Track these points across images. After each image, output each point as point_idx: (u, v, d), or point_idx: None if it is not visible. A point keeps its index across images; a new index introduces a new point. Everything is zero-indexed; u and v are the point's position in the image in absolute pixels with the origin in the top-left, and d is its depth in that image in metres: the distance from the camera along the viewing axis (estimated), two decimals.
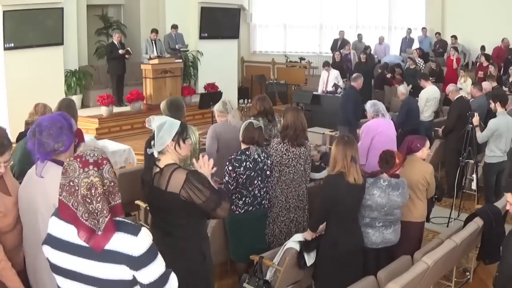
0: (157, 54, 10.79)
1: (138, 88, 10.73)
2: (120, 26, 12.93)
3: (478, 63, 11.69)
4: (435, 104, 8.31)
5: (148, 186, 2.81)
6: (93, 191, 1.88)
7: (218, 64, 12.45)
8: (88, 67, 11.42)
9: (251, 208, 4.14)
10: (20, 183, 2.78)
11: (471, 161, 6.26)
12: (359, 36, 14.82)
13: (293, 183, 4.43)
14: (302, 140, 4.46)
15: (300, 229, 4.42)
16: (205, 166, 2.87)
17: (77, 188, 1.89)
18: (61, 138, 2.63)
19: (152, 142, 2.76)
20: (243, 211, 4.12)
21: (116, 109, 10.32)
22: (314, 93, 11.01)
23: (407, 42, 14.25)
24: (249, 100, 12.13)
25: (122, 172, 5.27)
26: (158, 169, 2.76)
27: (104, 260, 1.90)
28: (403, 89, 7.85)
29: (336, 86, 10.72)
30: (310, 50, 16.26)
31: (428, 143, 4.51)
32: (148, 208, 3.81)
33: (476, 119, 5.98)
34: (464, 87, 9.75)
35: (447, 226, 5.71)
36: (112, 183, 1.95)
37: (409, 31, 14.26)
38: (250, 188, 4.10)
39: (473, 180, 6.25)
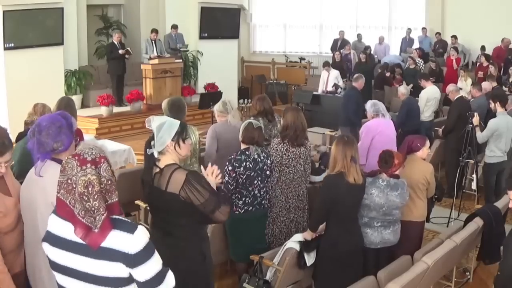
0: (157, 54, 10.79)
1: (138, 88, 10.73)
2: (120, 26, 12.93)
3: (478, 63, 11.69)
4: (435, 104, 8.31)
5: (148, 186, 2.81)
6: (90, 189, 1.90)
7: (218, 64, 12.45)
8: (88, 67, 11.43)
9: (251, 208, 4.14)
10: (20, 183, 2.78)
11: (471, 161, 6.26)
12: (359, 36, 14.83)
13: (293, 183, 4.43)
14: (302, 140, 4.46)
15: (300, 229, 4.42)
16: (212, 175, 2.84)
17: (74, 186, 1.91)
18: (60, 137, 2.64)
19: (152, 143, 2.76)
20: (243, 211, 4.12)
21: (116, 109, 10.32)
22: (314, 93, 11.02)
23: (407, 42, 14.25)
24: (249, 100, 12.13)
25: (122, 172, 5.26)
26: (158, 169, 2.76)
27: (101, 257, 1.92)
28: (403, 89, 7.85)
29: (336, 86, 10.73)
30: (310, 50, 16.26)
31: (428, 142, 4.51)
32: (148, 208, 3.81)
33: (476, 119, 5.98)
34: (464, 87, 9.75)
35: (447, 226, 5.71)
36: (109, 182, 1.97)
37: (409, 31, 14.26)
38: (250, 188, 4.10)
39: (473, 180, 6.25)
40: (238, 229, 4.15)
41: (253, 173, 4.07)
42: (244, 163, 4.04)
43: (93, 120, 9.92)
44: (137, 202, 4.76)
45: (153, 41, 10.86)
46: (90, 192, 1.90)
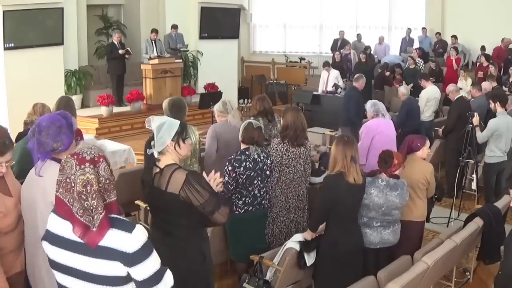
0: (157, 54, 10.79)
1: (138, 88, 10.73)
2: (120, 26, 12.93)
3: (478, 63, 11.69)
4: (436, 104, 8.31)
5: (148, 186, 2.81)
6: (88, 188, 1.91)
7: (218, 64, 12.45)
8: (88, 67, 11.43)
9: (251, 208, 4.14)
10: (20, 183, 2.78)
11: (471, 161, 6.26)
12: (358, 36, 14.83)
13: (293, 183, 4.43)
14: (302, 140, 4.46)
15: (300, 229, 4.42)
16: (214, 182, 2.82)
17: (73, 184, 1.92)
18: (59, 137, 2.64)
19: (152, 143, 2.76)
20: (243, 211, 4.12)
21: (116, 109, 10.32)
22: (314, 93, 11.01)
23: (407, 42, 14.25)
24: (249, 100, 12.14)
25: (122, 172, 5.25)
26: (158, 170, 2.76)
27: (99, 256, 1.93)
28: (404, 89, 7.85)
29: (336, 86, 10.73)
30: (310, 50, 16.27)
31: (428, 142, 4.51)
32: (148, 208, 3.81)
33: (476, 119, 5.98)
34: (464, 87, 9.75)
35: (447, 226, 5.70)
36: (108, 181, 1.98)
37: (409, 31, 14.26)
38: (250, 188, 4.10)
39: (473, 180, 6.24)
40: (238, 229, 4.15)
41: (253, 173, 4.07)
42: (244, 163, 4.03)
43: (93, 120, 9.92)
44: (137, 202, 4.76)
45: (153, 41, 10.86)
46: (89, 191, 1.91)
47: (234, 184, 4.05)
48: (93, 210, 1.91)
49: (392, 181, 3.88)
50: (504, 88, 9.54)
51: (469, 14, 12.87)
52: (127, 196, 4.85)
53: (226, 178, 4.03)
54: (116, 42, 10.50)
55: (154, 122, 2.77)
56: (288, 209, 4.44)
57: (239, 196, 4.10)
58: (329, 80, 10.91)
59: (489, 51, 12.12)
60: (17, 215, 2.69)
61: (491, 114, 6.51)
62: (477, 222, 4.27)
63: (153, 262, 2.00)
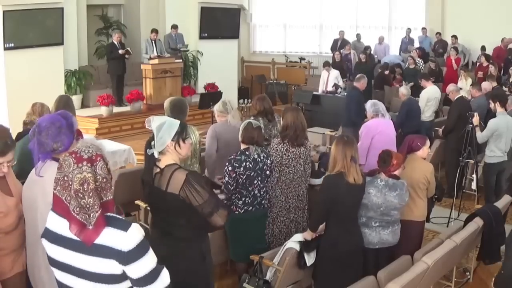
0: (157, 54, 10.79)
1: (138, 88, 10.73)
2: (120, 26, 12.93)
3: (478, 63, 11.70)
4: (436, 104, 8.31)
5: (148, 186, 2.81)
6: (85, 186, 1.93)
7: (218, 64, 12.45)
8: (88, 67, 11.43)
9: (251, 208, 4.14)
10: (21, 183, 2.79)
11: (471, 161, 6.26)
12: (358, 36, 14.83)
13: (293, 183, 4.43)
14: (302, 140, 4.46)
15: (300, 229, 4.42)
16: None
17: (70, 183, 1.94)
18: (59, 137, 2.65)
19: (152, 143, 2.76)
20: (242, 211, 4.12)
21: (116, 109, 10.32)
22: (314, 93, 11.01)
23: (407, 42, 14.25)
24: (249, 100, 12.14)
25: (122, 172, 5.26)
26: (158, 170, 2.76)
27: (94, 254, 1.95)
28: (404, 90, 7.84)
29: (336, 86, 10.73)
30: (310, 50, 16.27)
31: (428, 142, 4.51)
32: (148, 208, 3.81)
33: (476, 119, 5.98)
34: (464, 87, 9.75)
35: (447, 226, 5.70)
36: (105, 180, 1.99)
37: (409, 31, 14.26)
38: (250, 188, 4.10)
39: (473, 180, 6.25)
40: (238, 229, 4.15)
41: (253, 173, 4.07)
42: (244, 163, 4.03)
43: (93, 120, 9.92)
44: (137, 202, 4.76)
45: (153, 41, 10.86)
46: (85, 189, 1.93)
47: (234, 184, 4.05)
48: (90, 208, 1.92)
49: (391, 181, 3.88)
50: (504, 88, 9.54)
51: (469, 14, 12.87)
52: (127, 196, 4.85)
53: (226, 178, 4.03)
54: (116, 42, 10.50)
55: (154, 122, 2.77)
56: (288, 209, 4.44)
57: (239, 196, 4.10)
58: (329, 80, 10.91)
59: (489, 51, 12.12)
60: (18, 215, 2.70)
61: (491, 114, 6.51)
62: (477, 222, 4.27)
63: (149, 261, 2.01)
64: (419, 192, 4.29)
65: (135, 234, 1.97)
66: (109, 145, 6.51)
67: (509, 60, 11.59)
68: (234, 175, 4.03)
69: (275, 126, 5.25)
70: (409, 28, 14.29)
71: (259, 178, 4.13)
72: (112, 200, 2.03)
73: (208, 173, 4.81)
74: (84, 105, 11.02)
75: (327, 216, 3.73)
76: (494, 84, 8.65)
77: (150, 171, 2.79)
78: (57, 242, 2.01)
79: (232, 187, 4.05)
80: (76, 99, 10.23)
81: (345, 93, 10.21)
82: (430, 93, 8.12)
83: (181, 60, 11.41)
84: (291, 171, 4.40)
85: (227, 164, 4.06)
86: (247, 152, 4.08)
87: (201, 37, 12.65)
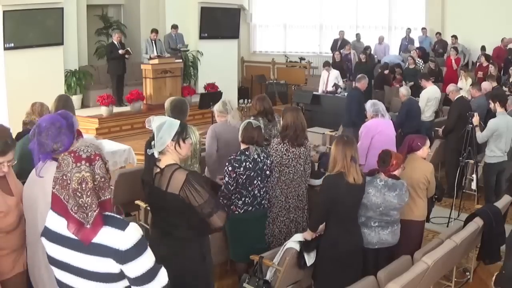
0: (157, 54, 10.79)
1: (138, 88, 10.73)
2: (120, 26, 12.93)
3: (478, 63, 11.70)
4: (436, 104, 8.31)
5: (149, 186, 2.81)
6: (83, 185, 1.94)
7: (218, 64, 12.45)
8: (88, 67, 11.43)
9: (250, 208, 4.14)
10: (22, 183, 2.79)
11: (471, 161, 6.26)
12: (357, 36, 14.83)
13: (293, 183, 4.43)
14: (302, 140, 4.46)
15: (299, 229, 4.42)
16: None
17: (69, 182, 1.95)
18: (59, 138, 2.65)
19: (152, 143, 2.76)
20: (242, 211, 4.12)
21: (116, 109, 10.32)
22: (314, 93, 11.02)
23: (407, 42, 14.25)
24: (249, 100, 12.14)
25: (122, 172, 5.26)
26: (158, 170, 2.76)
27: (92, 253, 1.96)
28: (404, 90, 7.83)
29: (336, 86, 10.73)
30: (310, 50, 16.27)
31: (428, 142, 4.51)
32: (148, 208, 3.81)
33: (476, 119, 5.98)
34: (464, 87, 9.75)
35: (447, 226, 5.70)
36: (103, 179, 2.00)
37: (409, 31, 14.26)
38: (249, 188, 4.09)
39: (473, 180, 6.24)
40: (238, 229, 4.15)
41: (252, 173, 4.07)
42: (244, 163, 4.03)
43: (93, 120, 9.92)
44: (137, 202, 4.76)
45: (153, 41, 10.86)
46: (84, 188, 1.94)
47: (234, 184, 4.05)
48: (88, 207, 1.94)
49: (391, 181, 3.88)
50: (504, 88, 9.54)
51: (469, 14, 12.87)
52: (127, 196, 4.85)
53: (226, 179, 4.03)
54: (116, 42, 10.50)
55: (154, 122, 2.77)
56: (288, 209, 4.44)
57: (238, 196, 4.09)
58: (329, 80, 10.91)
59: (489, 51, 12.12)
60: (19, 215, 2.70)
61: (491, 114, 6.51)
62: (477, 222, 4.27)
63: (147, 260, 2.01)
64: (419, 191, 4.29)
65: (132, 233, 1.98)
66: (109, 145, 6.52)
67: (509, 60, 11.59)
68: (234, 175, 4.02)
69: (275, 126, 5.25)
70: (409, 28, 14.29)
71: (259, 178, 4.13)
72: (110, 199, 2.04)
73: (209, 173, 4.81)
74: (84, 105, 11.02)
75: (327, 216, 3.73)
76: (494, 84, 8.65)
77: (150, 171, 2.79)
78: (56, 241, 2.02)
79: (232, 187, 4.05)
80: (76, 99, 10.24)
81: (345, 93, 10.23)
82: (430, 93, 8.11)
83: (181, 60, 11.41)
84: (291, 171, 4.40)
85: (227, 164, 4.06)
86: (247, 152, 4.08)
87: (201, 37, 12.65)
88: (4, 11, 9.02)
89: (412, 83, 10.75)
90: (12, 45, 9.30)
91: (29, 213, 2.65)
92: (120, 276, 2.00)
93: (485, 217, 4.34)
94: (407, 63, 12.20)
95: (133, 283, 2.01)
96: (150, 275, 2.02)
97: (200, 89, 12.02)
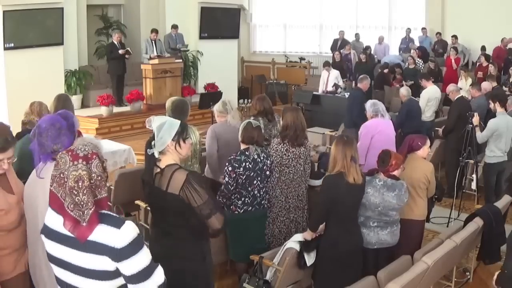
0: (157, 54, 10.79)
1: (138, 88, 10.73)
2: (120, 26, 12.93)
3: (478, 63, 11.70)
4: (436, 104, 8.30)
5: (149, 186, 2.81)
6: (80, 183, 1.96)
7: (218, 64, 12.45)
8: (88, 67, 11.43)
9: (250, 208, 4.14)
10: (23, 183, 2.79)
11: (471, 161, 6.26)
12: (357, 36, 14.83)
13: (293, 183, 4.43)
14: (302, 140, 4.46)
15: (299, 229, 4.42)
16: None
17: (66, 180, 1.97)
18: (59, 139, 2.66)
19: (152, 143, 2.76)
20: (242, 211, 4.12)
21: (116, 109, 10.32)
22: (314, 93, 11.01)
23: (407, 42, 14.26)
24: (249, 100, 12.14)
25: (122, 172, 5.26)
26: (159, 170, 2.76)
27: (88, 250, 1.98)
28: (404, 91, 7.81)
29: (336, 86, 10.73)
30: (310, 50, 16.27)
31: (428, 141, 4.51)
32: (148, 208, 3.81)
33: (476, 119, 5.98)
34: (465, 87, 9.75)
35: (447, 226, 5.70)
36: (99, 177, 2.02)
37: (409, 31, 14.26)
38: (249, 188, 4.10)
39: (473, 180, 6.25)
40: (238, 229, 4.15)
41: (252, 173, 4.07)
42: (244, 164, 4.03)
43: (93, 120, 9.92)
44: (137, 202, 4.76)
45: (153, 41, 10.86)
46: (80, 186, 1.96)
47: (234, 184, 4.05)
48: (84, 205, 1.95)
49: (390, 181, 3.87)
50: (504, 88, 9.54)
51: (469, 14, 12.87)
52: (127, 196, 4.86)
53: (226, 179, 4.03)
54: (116, 42, 10.49)
55: (155, 122, 2.77)
56: (288, 209, 4.44)
57: (238, 196, 4.10)
58: (329, 80, 10.91)
59: (489, 51, 12.12)
60: (20, 213, 2.71)
61: (491, 114, 6.51)
62: (477, 222, 4.27)
63: (142, 258, 2.02)
64: (419, 191, 4.29)
65: (128, 231, 2.00)
66: (109, 145, 6.52)
67: (509, 60, 11.59)
68: (234, 175, 4.03)
69: (275, 126, 5.25)
70: (409, 28, 14.29)
71: (259, 179, 4.13)
72: (106, 197, 2.05)
73: (211, 173, 4.81)
74: (84, 105, 11.03)
75: (327, 216, 3.73)
76: (494, 84, 8.64)
77: (150, 171, 2.79)
78: (54, 238, 2.04)
79: (232, 187, 4.05)
80: (76, 99, 10.25)
81: (345, 93, 10.23)
82: (430, 93, 8.11)
83: (181, 60, 11.41)
84: (291, 171, 4.40)
85: (227, 164, 4.06)
86: (247, 153, 4.08)
87: (201, 37, 12.65)
88: (4, 11, 9.02)
89: (412, 82, 10.75)
90: (12, 45, 9.31)
91: (30, 212, 2.65)
92: (116, 274, 2.01)
93: (485, 217, 4.34)
94: (407, 63, 12.20)
95: (128, 281, 2.02)
96: (145, 274, 2.03)
97: (200, 89, 12.02)
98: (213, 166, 4.76)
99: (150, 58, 10.67)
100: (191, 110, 8.52)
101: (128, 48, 10.50)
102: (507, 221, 5.09)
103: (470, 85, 8.78)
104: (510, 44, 12.37)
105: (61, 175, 1.98)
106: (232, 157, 4.07)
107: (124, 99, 10.65)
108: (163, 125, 2.74)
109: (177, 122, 2.78)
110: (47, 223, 2.08)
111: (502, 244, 4.24)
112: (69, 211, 1.96)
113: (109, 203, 2.52)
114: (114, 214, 2.08)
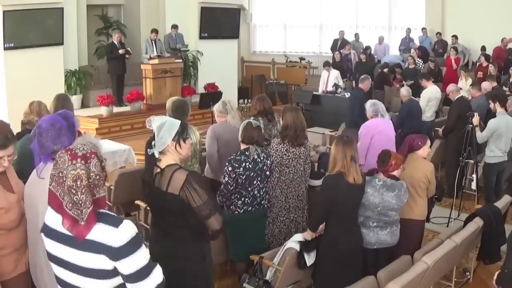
0: (157, 54, 10.79)
1: (138, 88, 10.73)
2: (120, 26, 12.93)
3: (478, 63, 11.70)
4: (436, 104, 8.30)
5: (149, 186, 2.81)
6: (78, 183, 1.96)
7: (218, 64, 12.46)
8: (88, 67, 11.43)
9: (250, 208, 4.14)
10: (23, 183, 2.80)
11: (471, 161, 6.26)
12: (356, 36, 14.84)
13: (293, 183, 4.43)
14: (302, 140, 4.46)
15: (299, 229, 4.42)
16: None
17: (64, 179, 1.98)
18: (59, 139, 2.66)
19: (152, 143, 2.76)
20: (242, 211, 4.12)
21: (116, 109, 10.32)
22: (314, 93, 11.01)
23: (407, 42, 14.26)
24: (249, 100, 12.14)
25: (122, 172, 5.26)
26: (159, 170, 2.76)
27: (86, 249, 1.98)
28: (405, 91, 7.81)
29: (336, 86, 10.73)
30: (310, 50, 16.27)
31: (429, 141, 4.51)
32: (148, 208, 3.81)
33: (476, 119, 5.98)
34: (465, 87, 9.75)
35: (447, 226, 5.70)
36: (98, 177, 2.02)
37: (409, 31, 14.26)
38: (249, 189, 4.09)
39: (473, 180, 6.25)
40: (238, 229, 4.15)
41: (252, 174, 4.07)
42: (244, 164, 4.03)
43: (93, 120, 9.92)
44: (137, 202, 4.76)
45: (153, 41, 10.86)
46: (78, 186, 1.96)
47: (234, 184, 4.05)
48: (82, 204, 1.96)
49: (390, 181, 3.87)
50: (504, 88, 9.54)
51: (469, 14, 12.87)
52: (127, 196, 4.86)
53: (226, 179, 4.03)
54: (116, 42, 10.50)
55: (155, 122, 2.77)
56: (288, 209, 4.44)
57: (238, 196, 4.10)
58: (329, 80, 10.91)
59: (489, 51, 12.12)
60: (20, 212, 2.71)
61: (491, 114, 6.51)
62: (477, 222, 4.27)
63: (140, 257, 2.03)
64: (420, 191, 4.29)
65: (126, 230, 2.00)
66: (109, 145, 6.52)
67: (509, 60, 11.60)
68: (234, 175, 4.03)
69: (275, 126, 5.24)
70: (409, 28, 14.29)
71: (259, 179, 4.13)
72: (104, 197, 2.06)
73: (212, 173, 4.81)
74: (84, 105, 11.03)
75: (327, 216, 3.73)
76: (494, 84, 8.64)
77: (150, 171, 2.79)
78: (53, 237, 2.05)
79: (232, 187, 4.05)
80: (76, 99, 10.26)
81: (345, 93, 10.23)
82: (431, 93, 8.11)
83: (181, 60, 11.41)
84: (291, 171, 4.40)
85: (227, 164, 4.06)
86: (247, 153, 4.08)
87: (201, 37, 12.65)
88: (4, 11, 9.03)
89: (412, 82, 10.75)
90: (12, 45, 9.31)
91: (30, 212, 2.66)
92: (114, 272, 2.02)
93: (485, 217, 4.34)
94: (407, 63, 12.20)
95: (126, 280, 2.03)
96: (144, 273, 2.03)
97: (200, 89, 12.02)
98: (213, 166, 4.76)
99: (150, 58, 10.67)
100: (191, 110, 8.53)
101: (128, 48, 10.51)
102: (507, 221, 5.09)
103: (470, 85, 8.78)
104: (510, 44, 12.38)
105: (60, 174, 1.99)
106: (232, 157, 4.07)
107: (124, 99, 10.65)
108: (163, 125, 2.74)
109: (177, 122, 2.78)
110: (46, 222, 2.09)
111: (502, 244, 4.25)
112: (68, 210, 1.97)
113: (108, 202, 2.53)
114: (113, 213, 2.09)
